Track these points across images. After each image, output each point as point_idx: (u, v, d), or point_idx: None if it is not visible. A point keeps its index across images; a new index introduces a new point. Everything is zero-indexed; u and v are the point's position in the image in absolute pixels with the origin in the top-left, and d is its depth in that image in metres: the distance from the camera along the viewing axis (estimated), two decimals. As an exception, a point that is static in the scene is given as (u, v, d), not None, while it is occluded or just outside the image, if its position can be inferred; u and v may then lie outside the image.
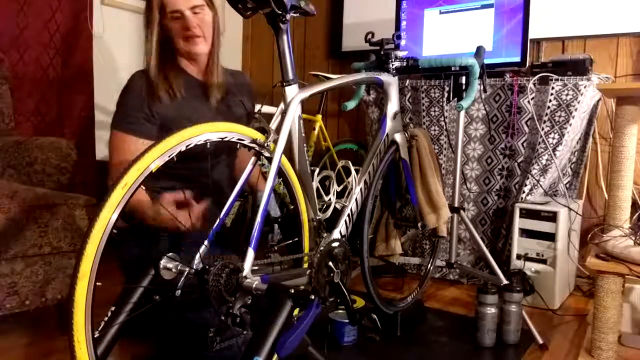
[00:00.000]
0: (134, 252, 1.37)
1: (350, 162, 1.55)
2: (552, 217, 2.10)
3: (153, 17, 1.44)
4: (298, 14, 1.32)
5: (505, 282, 1.86)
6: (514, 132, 2.31)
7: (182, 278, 1.09)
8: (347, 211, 1.53)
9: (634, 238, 1.54)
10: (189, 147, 1.08)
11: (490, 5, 2.35)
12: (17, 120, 2.21)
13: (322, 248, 1.30)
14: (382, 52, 1.73)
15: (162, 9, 1.44)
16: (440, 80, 2.44)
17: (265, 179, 1.22)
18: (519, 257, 2.16)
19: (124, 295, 1.19)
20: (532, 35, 2.33)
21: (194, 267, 1.10)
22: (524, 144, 2.30)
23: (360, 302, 1.86)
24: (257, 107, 1.60)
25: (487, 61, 1.94)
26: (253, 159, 1.25)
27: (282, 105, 1.30)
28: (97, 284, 0.92)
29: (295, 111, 1.31)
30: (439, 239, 2.07)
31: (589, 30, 2.42)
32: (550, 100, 2.17)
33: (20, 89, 2.29)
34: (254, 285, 1.10)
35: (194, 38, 1.46)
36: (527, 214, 2.16)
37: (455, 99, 1.82)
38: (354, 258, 1.42)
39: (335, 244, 1.34)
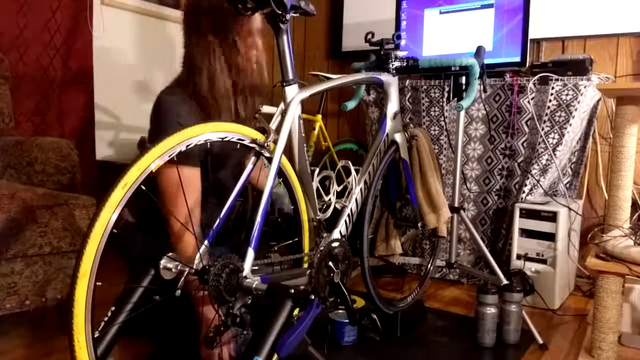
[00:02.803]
0: (140, 248, 1.37)
1: (350, 162, 1.55)
2: (552, 217, 2.10)
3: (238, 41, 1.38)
4: (298, 14, 1.32)
5: (505, 282, 1.86)
6: (514, 132, 2.31)
7: (182, 278, 1.10)
8: (347, 211, 1.53)
9: (634, 238, 1.54)
10: (189, 147, 1.08)
11: (490, 5, 2.35)
12: (17, 120, 2.21)
13: (322, 248, 1.30)
14: (382, 52, 1.73)
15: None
16: (440, 80, 2.44)
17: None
18: (519, 257, 2.16)
19: (124, 295, 1.19)
20: (532, 35, 2.33)
21: (194, 267, 1.10)
22: (524, 144, 2.30)
23: (360, 302, 1.86)
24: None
25: (487, 61, 1.94)
26: (253, 158, 1.25)
27: (282, 105, 1.30)
28: (97, 283, 0.92)
29: (295, 111, 1.31)
30: (439, 239, 2.07)
31: (589, 30, 2.42)
32: (550, 100, 2.17)
33: (20, 89, 2.29)
34: (254, 285, 1.10)
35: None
36: (527, 214, 2.16)
37: (455, 99, 1.82)
38: (354, 258, 1.42)
39: (335, 244, 1.34)
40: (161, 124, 1.36)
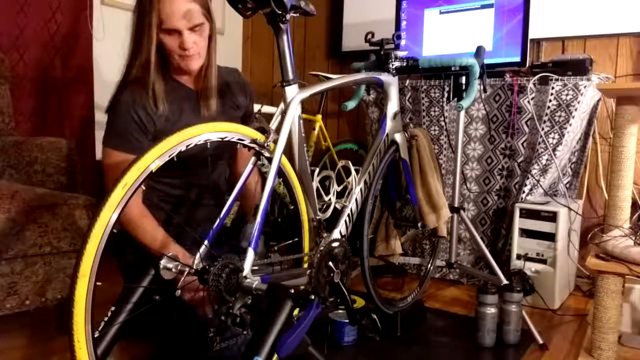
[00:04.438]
0: (132, 255, 1.37)
1: (350, 162, 1.55)
2: (552, 217, 2.10)
3: (150, 33, 1.33)
4: (298, 14, 1.32)
5: (505, 282, 1.86)
6: (514, 132, 2.31)
7: (182, 278, 1.09)
8: (347, 211, 1.53)
9: (634, 238, 1.54)
10: (189, 146, 1.08)
11: (490, 5, 2.35)
12: (17, 120, 2.21)
13: (322, 248, 1.30)
14: (382, 52, 1.73)
15: (158, 23, 1.34)
16: (440, 80, 2.44)
17: (265, 179, 1.22)
18: (519, 257, 2.16)
19: (124, 295, 1.19)
20: (532, 35, 2.33)
21: (194, 267, 1.10)
22: (524, 144, 2.30)
23: (360, 302, 1.86)
24: (257, 107, 1.59)
25: (487, 61, 1.94)
26: (253, 158, 1.25)
27: (282, 105, 1.30)
28: (97, 283, 0.92)
29: (295, 111, 1.31)
30: (439, 239, 2.07)
31: (589, 30, 2.42)
32: (550, 100, 2.17)
33: (20, 89, 2.29)
34: (254, 285, 1.10)
35: (191, 56, 1.38)
36: (527, 214, 2.16)
37: (455, 99, 1.82)
38: (354, 258, 1.42)
39: (335, 244, 1.34)
40: None
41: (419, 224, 1.86)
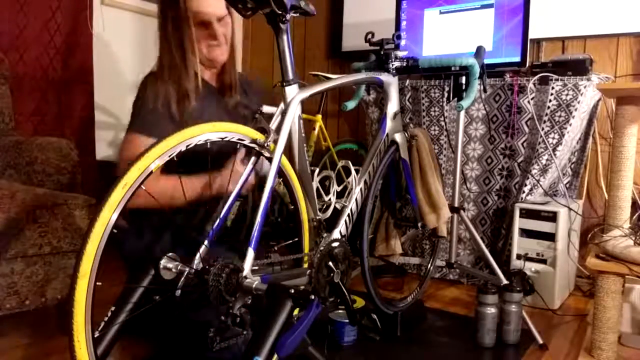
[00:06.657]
0: (138, 249, 1.37)
1: (350, 162, 1.55)
2: (552, 217, 2.10)
3: (185, 24, 1.41)
4: (298, 14, 1.32)
5: (505, 282, 1.86)
6: (514, 132, 2.31)
7: (182, 278, 1.09)
8: (347, 211, 1.53)
9: (634, 238, 1.54)
10: (189, 147, 1.08)
11: (490, 5, 2.34)
12: (17, 120, 2.21)
13: (322, 248, 1.30)
14: (382, 52, 1.73)
15: (188, 17, 1.42)
16: (440, 80, 2.44)
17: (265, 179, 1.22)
18: (519, 257, 2.16)
19: (124, 295, 1.19)
20: (532, 35, 2.33)
21: (194, 267, 1.10)
22: (524, 144, 2.30)
23: (360, 302, 1.86)
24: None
25: (487, 61, 1.94)
26: (253, 159, 1.25)
27: (282, 105, 1.30)
28: (97, 283, 0.92)
29: (295, 111, 1.31)
30: (439, 239, 2.07)
31: (589, 30, 2.42)
32: (550, 100, 2.17)
33: (20, 89, 2.29)
34: (254, 285, 1.10)
35: (220, 46, 1.48)
36: (527, 214, 2.16)
37: (455, 99, 1.82)
38: (354, 258, 1.42)
39: (335, 244, 1.34)
40: None
41: (419, 224, 1.86)
